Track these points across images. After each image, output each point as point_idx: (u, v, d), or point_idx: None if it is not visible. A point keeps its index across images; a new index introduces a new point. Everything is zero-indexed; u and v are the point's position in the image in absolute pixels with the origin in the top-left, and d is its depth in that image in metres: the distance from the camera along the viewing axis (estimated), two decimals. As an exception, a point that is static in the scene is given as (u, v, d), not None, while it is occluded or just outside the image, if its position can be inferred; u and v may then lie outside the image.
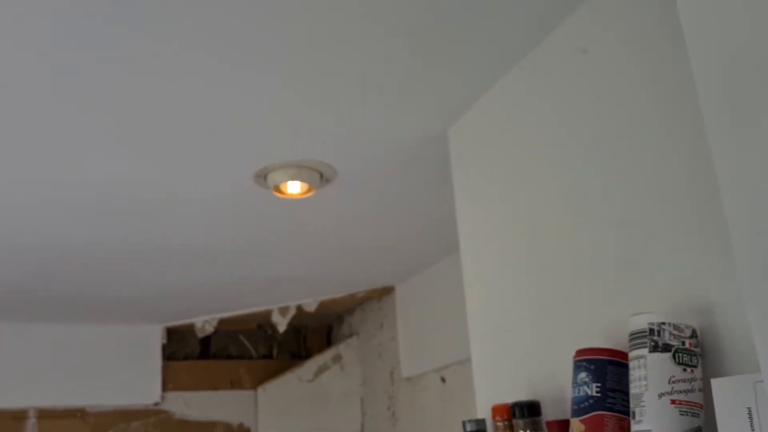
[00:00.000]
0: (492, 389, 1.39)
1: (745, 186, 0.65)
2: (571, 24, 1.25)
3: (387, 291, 3.11)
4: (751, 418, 0.73)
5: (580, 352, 1.02)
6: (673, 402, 0.85)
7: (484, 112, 1.52)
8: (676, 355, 0.86)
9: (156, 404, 3.33)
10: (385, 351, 3.17)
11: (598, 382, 0.98)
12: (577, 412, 0.98)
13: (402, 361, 2.99)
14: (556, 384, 1.19)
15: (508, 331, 1.36)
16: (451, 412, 2.63)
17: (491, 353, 1.42)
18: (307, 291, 3.06)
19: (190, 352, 3.52)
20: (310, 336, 3.74)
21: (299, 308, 3.20)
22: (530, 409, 1.13)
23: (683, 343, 0.87)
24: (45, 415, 3.15)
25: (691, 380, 0.86)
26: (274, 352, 3.67)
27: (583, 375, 0.99)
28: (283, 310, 3.22)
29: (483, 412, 1.37)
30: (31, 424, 3.13)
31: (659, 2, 1.05)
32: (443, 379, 2.71)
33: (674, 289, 0.98)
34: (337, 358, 3.47)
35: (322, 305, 3.19)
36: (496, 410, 1.17)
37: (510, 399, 1.25)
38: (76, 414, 3.20)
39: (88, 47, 1.25)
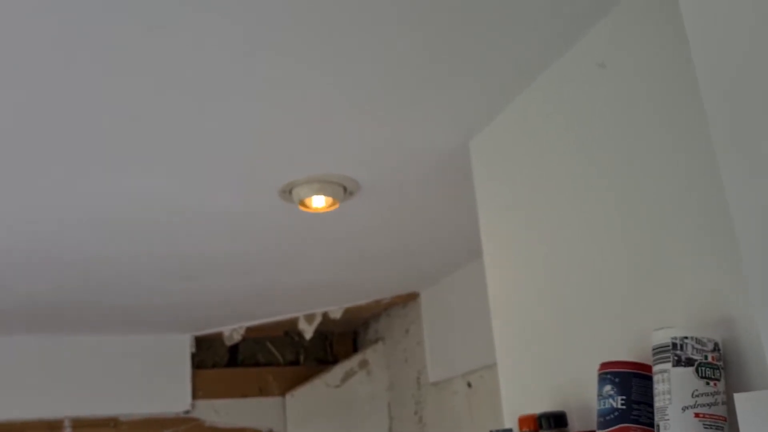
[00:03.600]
0: (519, 398, 1.41)
1: (755, 205, 0.66)
2: (590, 39, 1.27)
3: (412, 297, 3.14)
4: (774, 432, 0.75)
5: (604, 365, 1.04)
6: (696, 415, 0.86)
7: (505, 125, 1.54)
8: (699, 369, 0.88)
9: (186, 412, 3.38)
10: (411, 356, 3.20)
11: (623, 395, 0.99)
12: (602, 425, 1.00)
13: (428, 366, 3.02)
14: (583, 395, 1.21)
15: (533, 341, 1.38)
16: (478, 417, 2.65)
17: (517, 363, 1.44)
18: (332, 298, 3.09)
19: (219, 360, 3.57)
20: (337, 342, 3.78)
21: (325, 315, 3.23)
22: (557, 420, 1.15)
23: (706, 357, 0.89)
24: (79, 424, 3.22)
25: (714, 394, 0.88)
26: (301, 358, 3.71)
27: (608, 387, 1.01)
28: (310, 317, 3.26)
29: (510, 421, 1.39)
30: (66, 433, 3.20)
31: (677, 19, 1.07)
32: (469, 384, 2.73)
33: (697, 303, 0.99)
34: (364, 364, 3.50)
35: (348, 312, 3.23)
36: (523, 421, 1.19)
37: (537, 409, 1.27)
38: (110, 423, 3.26)
39: (116, 64, 1.29)
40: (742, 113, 0.70)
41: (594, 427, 1.08)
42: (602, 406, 1.01)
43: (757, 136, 0.68)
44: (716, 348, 0.90)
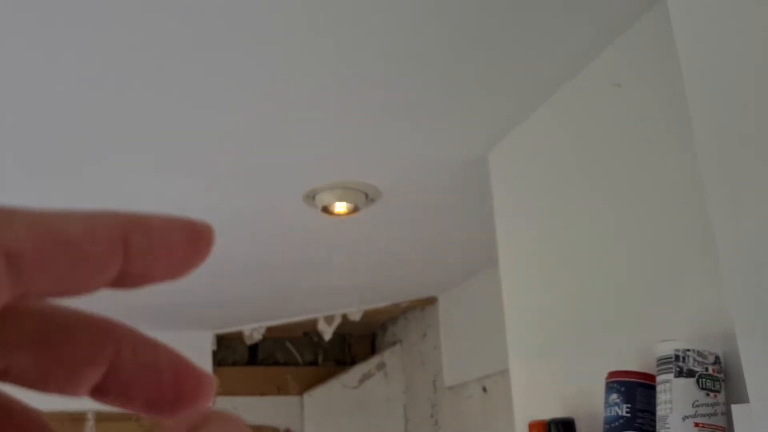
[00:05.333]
0: (530, 404, 1.45)
1: (742, 249, 0.71)
2: (606, 58, 1.32)
3: (430, 301, 3.18)
4: (767, 442, 0.79)
5: (612, 375, 1.08)
6: (696, 425, 0.91)
7: (523, 138, 1.59)
8: (700, 380, 0.92)
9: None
10: (428, 359, 3.24)
11: (628, 403, 1.04)
12: None
13: (444, 369, 3.06)
14: (592, 402, 1.25)
15: (545, 349, 1.43)
16: (493, 421, 2.69)
17: (529, 370, 1.49)
18: (352, 300, 3.14)
19: (239, 359, 3.64)
20: (355, 343, 3.83)
21: (344, 317, 3.28)
22: (565, 427, 1.20)
23: (707, 369, 0.93)
24: (102, 417, 3.30)
25: (713, 404, 0.92)
26: (320, 359, 3.77)
27: (614, 396, 1.06)
28: (329, 319, 3.32)
29: (522, 426, 1.43)
30: (90, 426, 3.29)
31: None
32: (485, 389, 2.77)
33: (700, 318, 1.03)
34: (381, 366, 3.55)
35: (367, 314, 3.28)
36: (533, 426, 1.24)
37: (548, 415, 1.31)
38: (132, 416, 3.34)
39: (145, 80, 1.36)
40: (728, 150, 0.74)
41: (601, 433, 1.13)
42: (608, 414, 1.06)
43: (741, 170, 0.72)
44: (717, 361, 0.94)
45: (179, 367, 0.20)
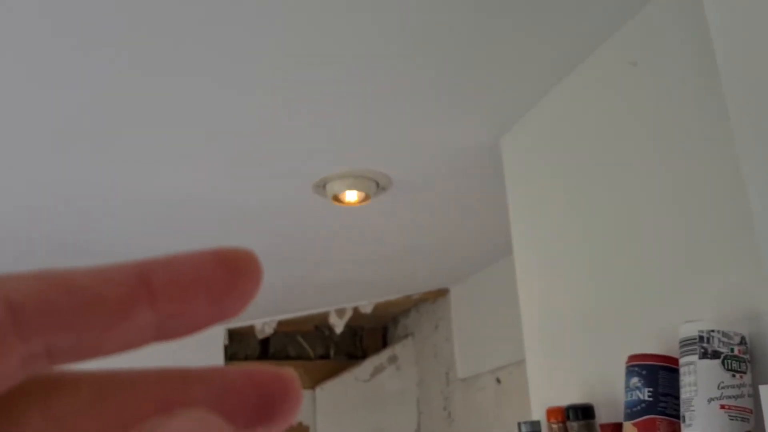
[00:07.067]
0: (547, 391, 1.43)
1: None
2: (621, 37, 1.29)
3: (441, 293, 3.16)
4: (798, 423, 0.76)
5: (632, 358, 1.06)
6: (722, 407, 0.88)
7: (535, 122, 1.56)
8: (725, 361, 0.90)
9: (219, 403, 3.45)
10: (440, 352, 3.22)
11: (650, 387, 1.01)
12: (629, 416, 1.02)
13: (457, 361, 3.04)
14: (610, 387, 1.23)
15: (562, 335, 1.40)
16: (506, 412, 2.67)
17: (546, 356, 1.46)
18: (363, 293, 3.13)
19: (251, 353, 3.63)
20: (367, 337, 3.81)
21: (356, 310, 3.27)
22: (584, 412, 1.17)
23: (732, 350, 0.90)
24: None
25: (740, 386, 0.89)
26: (331, 352, 3.75)
27: (635, 380, 1.03)
28: (340, 312, 3.30)
29: (538, 413, 1.41)
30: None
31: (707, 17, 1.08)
32: (498, 380, 2.75)
33: (725, 298, 1.01)
34: (393, 359, 3.53)
35: (378, 307, 3.26)
36: (551, 412, 1.21)
37: (565, 401, 1.29)
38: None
39: (164, 73, 1.34)
40: (766, 122, 0.72)
41: (621, 419, 1.10)
42: (629, 398, 1.03)
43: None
44: (743, 341, 0.92)
45: (255, 376, 0.18)
